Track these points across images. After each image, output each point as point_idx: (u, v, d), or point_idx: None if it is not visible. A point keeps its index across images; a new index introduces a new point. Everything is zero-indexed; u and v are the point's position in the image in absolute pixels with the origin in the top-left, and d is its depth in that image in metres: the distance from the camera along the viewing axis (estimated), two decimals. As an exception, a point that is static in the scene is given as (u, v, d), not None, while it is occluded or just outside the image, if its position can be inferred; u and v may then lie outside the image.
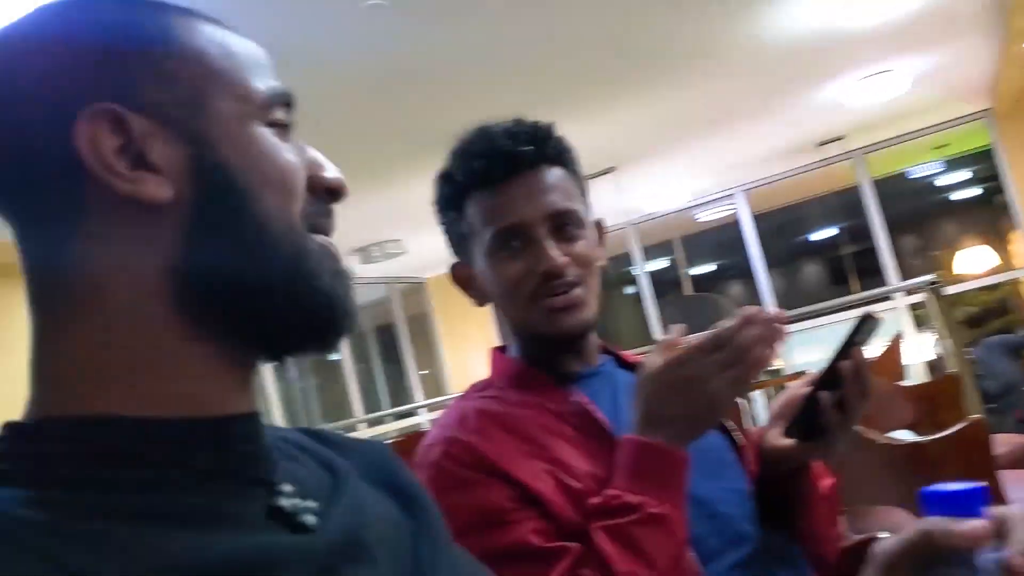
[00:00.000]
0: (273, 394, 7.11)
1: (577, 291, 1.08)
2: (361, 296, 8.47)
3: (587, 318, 1.09)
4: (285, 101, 0.60)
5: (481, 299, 1.16)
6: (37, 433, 0.51)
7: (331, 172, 0.61)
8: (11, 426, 0.51)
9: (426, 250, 5.61)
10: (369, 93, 3.97)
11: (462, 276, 1.17)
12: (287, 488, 0.56)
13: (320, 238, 0.59)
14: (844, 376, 0.98)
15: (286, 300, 0.55)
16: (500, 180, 1.08)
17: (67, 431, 0.50)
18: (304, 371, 7.94)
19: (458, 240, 1.16)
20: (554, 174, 1.10)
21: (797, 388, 1.05)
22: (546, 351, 1.12)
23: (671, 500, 0.96)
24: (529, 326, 1.11)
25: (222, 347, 0.55)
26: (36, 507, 0.44)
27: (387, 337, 8.63)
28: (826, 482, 1.14)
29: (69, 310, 0.53)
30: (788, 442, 1.04)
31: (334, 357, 7.80)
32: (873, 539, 1.25)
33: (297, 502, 0.55)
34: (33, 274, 0.55)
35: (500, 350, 1.18)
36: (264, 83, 0.58)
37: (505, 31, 3.68)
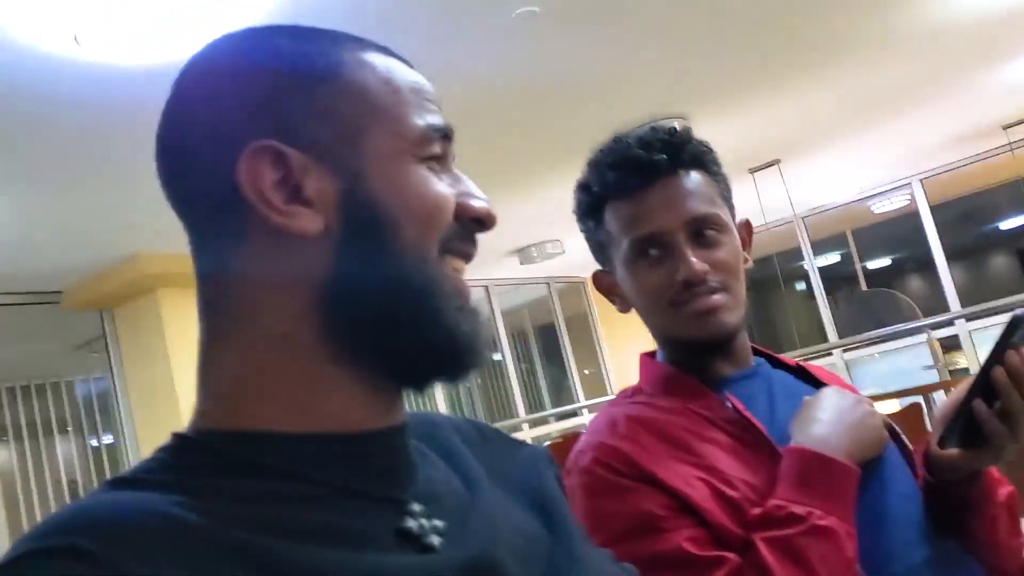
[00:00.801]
0: (439, 394, 7.33)
1: (718, 296, 1.06)
2: (522, 296, 8.60)
3: (731, 322, 1.07)
4: (443, 135, 0.61)
5: (624, 306, 1.17)
6: (195, 445, 0.55)
7: (479, 202, 0.62)
8: (177, 436, 0.56)
9: (585, 249, 5.63)
10: (524, 99, 4.03)
11: (605, 284, 1.19)
12: (416, 508, 0.57)
13: (454, 275, 0.60)
14: (1000, 383, 0.93)
15: (411, 331, 0.57)
16: (636, 189, 1.08)
17: (219, 444, 0.54)
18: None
19: (598, 248, 1.17)
20: (692, 179, 1.09)
21: (955, 394, 0.99)
22: (693, 356, 1.11)
23: (839, 513, 0.93)
24: (672, 333, 1.10)
25: (363, 371, 0.57)
26: (188, 512, 0.48)
27: (548, 337, 8.71)
28: (1004, 490, 1.06)
29: (228, 326, 0.57)
30: (951, 450, 0.98)
31: (496, 357, 7.96)
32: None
33: (424, 522, 0.57)
34: (201, 287, 0.60)
35: (649, 356, 1.17)
36: (423, 118, 0.60)
37: (657, 31, 3.63)
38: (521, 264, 7.20)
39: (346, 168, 0.57)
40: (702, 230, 1.07)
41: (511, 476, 0.68)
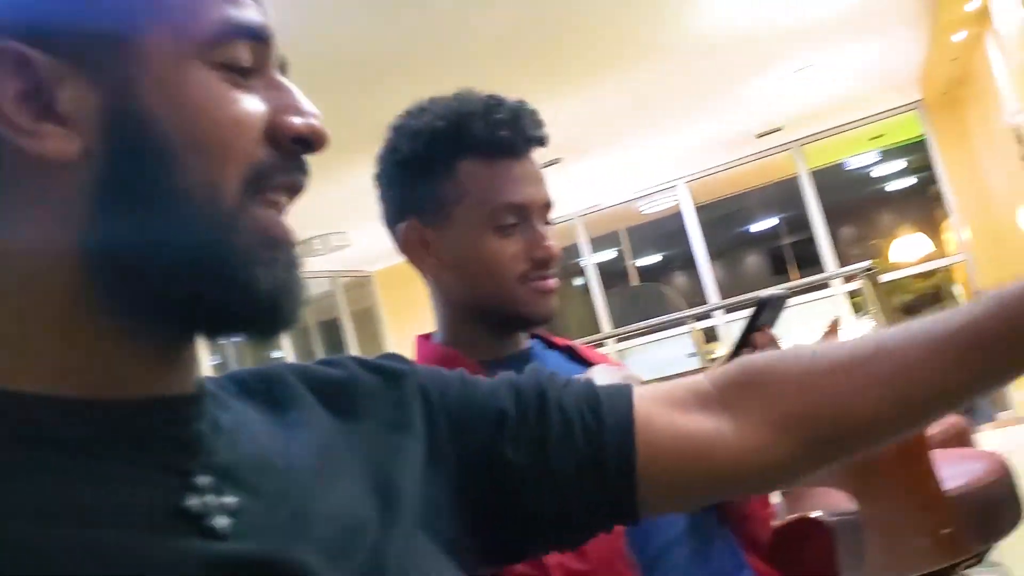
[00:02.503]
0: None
1: (555, 280, 1.09)
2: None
3: (556, 306, 1.11)
4: (248, 35, 0.50)
5: (435, 267, 1.10)
6: None
7: (302, 118, 0.52)
8: None
9: (372, 243, 5.58)
10: (308, 81, 3.91)
11: (418, 239, 1.09)
12: (203, 481, 0.48)
13: (264, 217, 0.50)
14: None
15: (206, 283, 0.48)
16: (516, 155, 1.07)
17: None
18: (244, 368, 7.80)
19: (431, 200, 1.08)
20: (538, 163, 1.11)
21: None
22: (491, 332, 1.11)
23: None
24: (506, 306, 1.08)
25: (140, 324, 0.48)
26: None
27: (332, 333, 8.54)
28: None
29: None
30: None
31: (276, 354, 7.70)
32: (805, 518, 1.28)
33: (210, 500, 0.48)
34: None
35: (425, 337, 1.16)
36: (220, 11, 0.49)
37: (449, 22, 3.66)
38: (305, 257, 6.98)
39: (112, 77, 0.46)
40: (547, 215, 1.10)
41: (361, 440, 0.59)
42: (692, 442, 0.64)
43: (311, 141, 0.52)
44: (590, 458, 0.63)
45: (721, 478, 0.65)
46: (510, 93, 1.08)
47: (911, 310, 7.89)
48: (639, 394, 0.66)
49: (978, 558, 1.94)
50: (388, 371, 0.66)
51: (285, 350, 7.65)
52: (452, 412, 0.64)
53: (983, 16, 4.66)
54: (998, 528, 1.93)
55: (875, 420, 0.62)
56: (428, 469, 0.61)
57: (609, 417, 0.64)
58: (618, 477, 0.63)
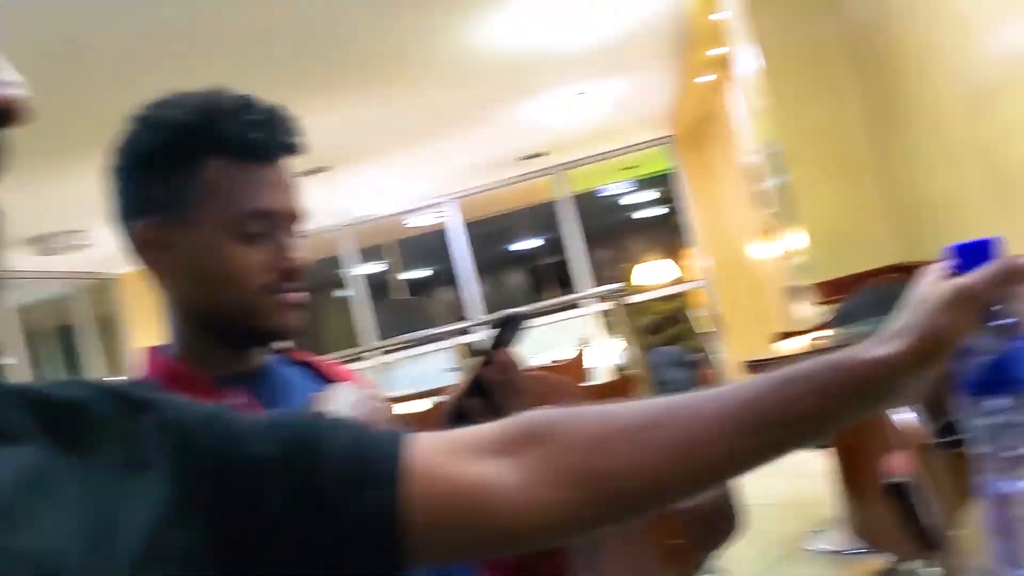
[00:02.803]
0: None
1: (304, 294, 1.04)
2: (37, 293, 7.65)
3: (304, 321, 1.06)
4: None
5: (168, 271, 1.03)
6: None
7: None
8: None
9: (115, 244, 5.17)
10: (45, 74, 3.58)
11: (157, 239, 1.02)
12: None
13: None
14: (489, 379, 1.03)
15: None
16: (267, 160, 1.01)
17: None
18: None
19: (167, 198, 1.00)
20: (290, 171, 1.05)
21: (455, 391, 1.07)
22: (229, 345, 1.05)
23: None
24: (247, 316, 1.02)
25: None
26: None
27: (68, 339, 7.86)
28: None
29: None
30: None
31: (7, 360, 6.98)
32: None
33: None
34: None
35: (156, 349, 1.08)
36: None
37: (202, 10, 3.47)
38: (38, 256, 6.40)
39: None
40: (297, 225, 1.05)
41: (85, 474, 0.53)
42: (469, 491, 0.62)
43: (4, 112, 0.46)
44: (350, 507, 0.60)
45: (498, 529, 0.63)
46: (275, 98, 1.03)
47: (655, 330, 8.45)
48: (417, 439, 0.64)
49: (705, 566, 2.08)
50: (133, 401, 0.60)
51: (16, 357, 6.95)
52: (206, 452, 0.60)
53: (725, 62, 5.10)
54: (722, 537, 2.08)
55: (655, 484, 0.63)
56: (173, 512, 0.56)
57: (373, 464, 0.61)
58: (380, 527, 0.60)
